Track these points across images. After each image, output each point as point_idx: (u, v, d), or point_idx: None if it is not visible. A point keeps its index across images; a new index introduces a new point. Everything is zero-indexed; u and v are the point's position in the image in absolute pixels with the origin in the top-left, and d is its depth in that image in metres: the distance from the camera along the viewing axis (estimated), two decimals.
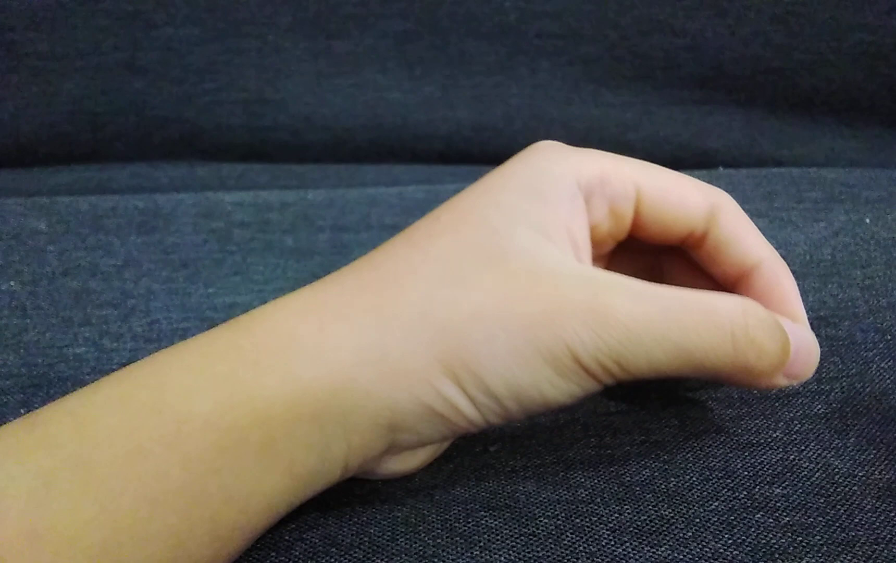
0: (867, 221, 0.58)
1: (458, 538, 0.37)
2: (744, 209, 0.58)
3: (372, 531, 0.37)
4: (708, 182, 0.61)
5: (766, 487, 0.38)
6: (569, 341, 0.33)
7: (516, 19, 0.66)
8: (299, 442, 0.33)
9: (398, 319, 0.34)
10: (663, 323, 0.34)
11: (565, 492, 0.39)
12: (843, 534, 0.37)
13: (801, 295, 0.51)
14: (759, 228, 0.56)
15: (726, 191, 0.60)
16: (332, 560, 0.36)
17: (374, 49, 0.67)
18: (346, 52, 0.67)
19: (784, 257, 0.54)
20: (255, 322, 0.35)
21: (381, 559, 0.36)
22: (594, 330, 0.33)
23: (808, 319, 0.49)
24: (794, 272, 0.53)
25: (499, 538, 0.37)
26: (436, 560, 0.36)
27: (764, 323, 0.36)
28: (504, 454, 0.41)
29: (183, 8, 0.65)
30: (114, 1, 0.65)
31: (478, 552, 0.36)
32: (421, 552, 0.36)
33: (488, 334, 0.33)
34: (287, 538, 0.37)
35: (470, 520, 0.37)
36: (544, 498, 0.38)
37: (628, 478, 0.36)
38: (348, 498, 0.39)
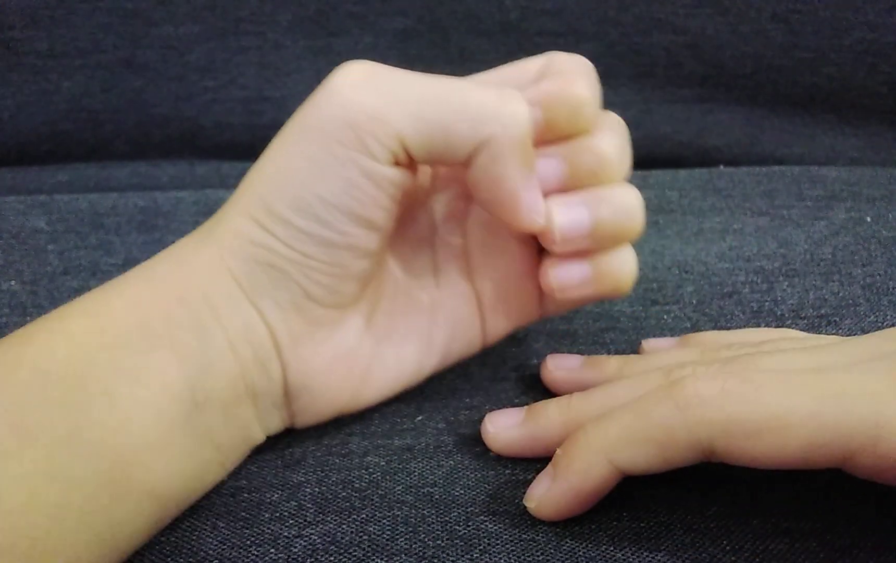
0: (868, 219, 0.58)
1: (457, 541, 0.37)
2: (744, 207, 0.58)
3: (371, 529, 0.37)
4: (708, 180, 0.61)
5: (765, 492, 0.38)
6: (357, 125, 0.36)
7: (517, 17, 0.66)
8: (172, 322, 0.36)
9: (226, 208, 0.38)
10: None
11: None
12: (841, 540, 0.36)
13: (802, 293, 0.51)
14: (761, 227, 0.56)
15: (726, 190, 0.60)
16: (332, 558, 0.36)
17: (375, 47, 0.67)
18: (346, 50, 0.67)
19: (784, 256, 0.54)
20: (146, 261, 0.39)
21: (381, 559, 0.36)
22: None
23: (810, 317, 0.49)
24: (794, 270, 0.53)
25: (499, 542, 0.37)
26: (435, 562, 0.36)
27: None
28: (504, 458, 0.41)
29: (183, 6, 0.65)
30: None
31: (477, 556, 0.36)
32: (420, 554, 0.36)
33: (273, 158, 0.37)
34: (286, 534, 0.37)
35: (470, 524, 0.37)
36: None
37: (627, 484, 0.36)
38: (348, 493, 0.39)
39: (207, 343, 0.36)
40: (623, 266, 0.40)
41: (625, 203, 0.39)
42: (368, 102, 0.36)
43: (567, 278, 0.40)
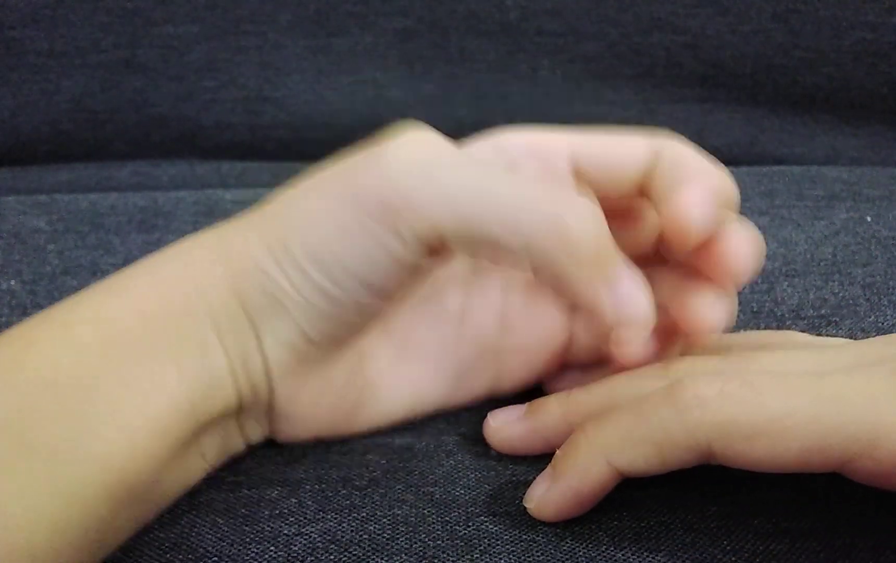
0: (868, 219, 0.58)
1: (458, 541, 0.37)
2: (744, 207, 0.58)
3: (372, 528, 0.37)
4: None
5: (765, 491, 0.38)
6: (388, 201, 0.35)
7: (517, 17, 0.66)
8: (176, 334, 0.35)
9: (241, 232, 0.38)
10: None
11: None
12: (841, 540, 0.37)
13: (803, 293, 0.51)
14: (760, 227, 0.56)
15: None
16: (332, 557, 0.36)
17: (374, 47, 0.67)
18: (345, 50, 0.67)
19: (785, 256, 0.54)
20: (147, 259, 0.39)
21: (381, 558, 0.36)
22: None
23: (810, 317, 0.49)
24: (795, 270, 0.53)
25: (499, 542, 0.37)
26: (435, 562, 0.36)
27: (583, 218, 0.35)
28: (505, 458, 0.41)
29: (183, 6, 0.65)
30: None
31: (478, 556, 0.36)
32: (421, 553, 0.36)
33: (304, 201, 0.38)
34: (286, 531, 0.37)
35: (470, 524, 0.38)
36: None
37: (627, 484, 0.36)
38: (348, 491, 0.39)
39: (210, 363, 0.36)
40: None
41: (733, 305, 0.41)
42: (413, 188, 0.35)
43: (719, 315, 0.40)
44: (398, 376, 0.42)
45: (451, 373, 0.43)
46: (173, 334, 0.35)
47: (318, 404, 0.40)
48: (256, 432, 0.40)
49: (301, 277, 0.36)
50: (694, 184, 0.37)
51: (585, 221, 0.35)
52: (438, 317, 0.43)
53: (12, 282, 0.52)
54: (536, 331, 0.43)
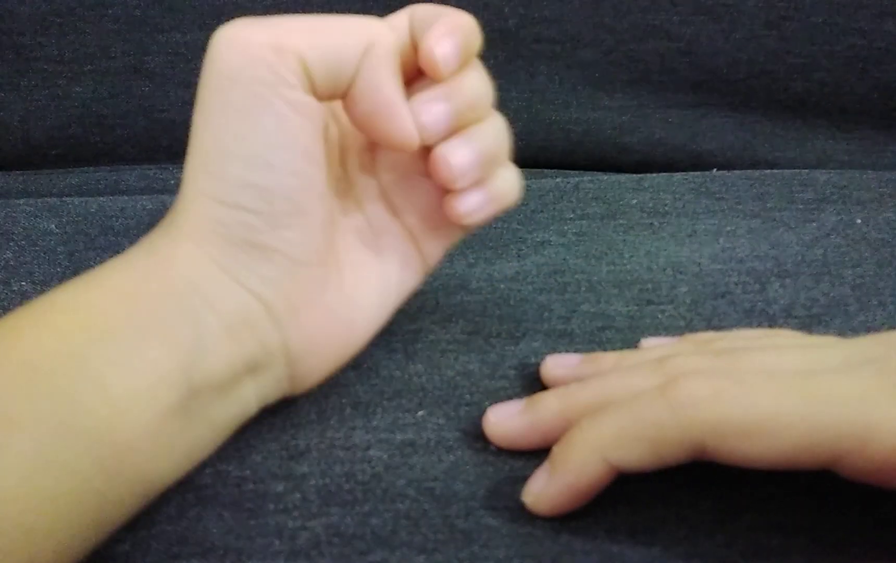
0: (858, 221, 0.58)
1: (458, 535, 0.37)
2: (737, 210, 0.59)
3: (374, 522, 0.38)
4: (701, 184, 0.62)
5: (758, 487, 0.39)
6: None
7: (515, 25, 0.66)
8: (163, 314, 0.36)
9: (182, 200, 0.39)
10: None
11: None
12: (833, 535, 0.37)
13: (794, 293, 0.51)
14: (753, 229, 0.57)
15: (720, 193, 0.61)
16: (335, 550, 0.37)
17: None
18: None
19: (776, 257, 0.54)
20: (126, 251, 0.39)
21: (383, 551, 0.37)
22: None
23: (801, 317, 0.50)
24: (786, 271, 0.53)
25: (497, 536, 0.37)
26: (436, 555, 0.37)
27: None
28: (504, 454, 0.41)
29: (190, 13, 0.66)
30: (122, 7, 0.65)
31: (477, 549, 0.37)
32: (421, 546, 0.37)
33: (201, 132, 0.39)
34: (291, 525, 0.38)
35: (470, 518, 0.38)
36: None
37: (622, 479, 0.36)
38: (351, 486, 0.39)
39: (201, 331, 0.36)
40: (509, 182, 0.44)
41: (498, 131, 0.43)
42: (267, 37, 0.37)
43: (468, 206, 0.42)
44: (364, 282, 0.43)
45: (393, 260, 0.44)
46: (156, 311, 0.36)
47: (325, 331, 0.41)
48: (272, 389, 0.40)
49: (248, 191, 0.37)
50: (435, 27, 0.40)
51: (392, 32, 0.40)
52: (357, 229, 0.44)
53: (24, 283, 0.52)
54: (416, 196, 0.45)
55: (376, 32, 0.39)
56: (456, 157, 0.41)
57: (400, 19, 0.42)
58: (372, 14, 0.65)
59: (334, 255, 0.42)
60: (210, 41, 0.38)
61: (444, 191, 0.43)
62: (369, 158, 0.45)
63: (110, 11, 0.65)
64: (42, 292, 0.50)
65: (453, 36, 0.40)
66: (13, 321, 0.35)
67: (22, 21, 0.65)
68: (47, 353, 0.33)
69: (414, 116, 0.40)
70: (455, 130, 0.41)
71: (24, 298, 0.51)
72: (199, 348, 0.36)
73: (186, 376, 0.35)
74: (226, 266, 0.38)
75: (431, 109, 0.40)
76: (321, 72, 0.38)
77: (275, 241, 0.38)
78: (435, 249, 0.45)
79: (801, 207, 0.60)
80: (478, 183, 0.42)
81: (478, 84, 0.42)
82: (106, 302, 0.36)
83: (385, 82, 0.39)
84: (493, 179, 0.43)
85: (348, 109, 0.40)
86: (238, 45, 0.37)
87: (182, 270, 0.37)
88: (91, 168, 0.69)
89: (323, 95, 0.39)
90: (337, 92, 0.39)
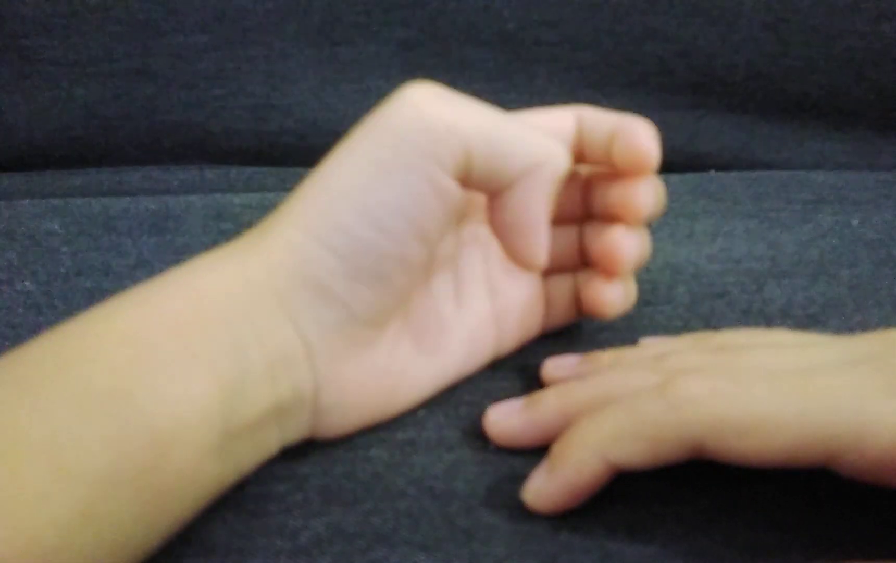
0: (854, 222, 0.58)
1: (458, 533, 0.38)
2: (734, 211, 0.59)
3: (375, 520, 0.38)
4: (699, 184, 0.62)
5: (756, 485, 0.39)
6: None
7: (515, 27, 0.67)
8: (213, 343, 0.35)
9: (279, 226, 0.38)
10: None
11: None
12: (831, 532, 0.37)
13: (790, 293, 0.52)
14: (750, 229, 0.57)
15: (717, 193, 0.61)
16: (337, 548, 0.37)
17: (378, 56, 0.67)
18: (350, 59, 0.67)
19: (773, 257, 0.54)
20: (175, 270, 0.38)
21: (384, 549, 0.37)
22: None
23: (798, 317, 0.50)
24: (783, 271, 0.53)
25: (497, 533, 0.37)
26: (437, 553, 0.37)
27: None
28: (504, 452, 0.41)
29: (192, 16, 0.66)
30: (125, 9, 0.65)
31: (477, 547, 0.37)
32: (422, 544, 0.37)
33: (333, 170, 0.38)
34: (292, 524, 0.38)
35: (470, 515, 0.38)
36: None
37: (622, 477, 0.37)
38: (352, 485, 0.40)
39: (246, 369, 0.36)
40: (633, 287, 0.46)
41: (646, 243, 0.46)
42: (444, 113, 0.38)
43: (613, 297, 0.45)
44: (423, 355, 0.43)
45: (463, 344, 0.44)
46: (205, 343, 0.35)
47: (362, 391, 0.40)
48: (294, 433, 0.40)
49: (347, 240, 0.37)
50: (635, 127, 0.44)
51: (567, 159, 0.41)
52: (440, 298, 0.44)
53: (27, 283, 0.53)
54: (519, 290, 0.46)
55: (552, 154, 0.40)
56: (629, 247, 0.44)
57: (567, 119, 0.44)
58: (372, 15, 0.66)
59: (398, 321, 0.42)
60: (398, 93, 0.39)
61: (542, 281, 0.46)
62: (485, 235, 0.46)
63: (113, 13, 0.65)
64: (46, 291, 0.52)
65: (652, 138, 0.44)
66: (63, 345, 0.34)
67: (25, 23, 0.65)
68: (98, 391, 0.32)
69: (616, 245, 0.44)
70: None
71: (27, 297, 0.52)
72: (241, 386, 0.36)
73: (225, 416, 0.35)
74: (286, 301, 0.37)
75: (630, 244, 0.44)
76: (481, 167, 0.38)
77: (346, 292, 0.38)
78: (514, 338, 0.46)
79: (798, 207, 0.60)
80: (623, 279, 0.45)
81: (659, 193, 0.46)
82: (158, 333, 0.35)
83: (538, 204, 0.40)
84: (630, 280, 0.46)
85: (491, 208, 0.41)
86: (414, 108, 0.38)
87: (241, 296, 0.37)
88: (94, 169, 0.69)
89: (472, 186, 0.39)
90: (487, 189, 0.40)
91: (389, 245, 0.37)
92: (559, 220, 0.46)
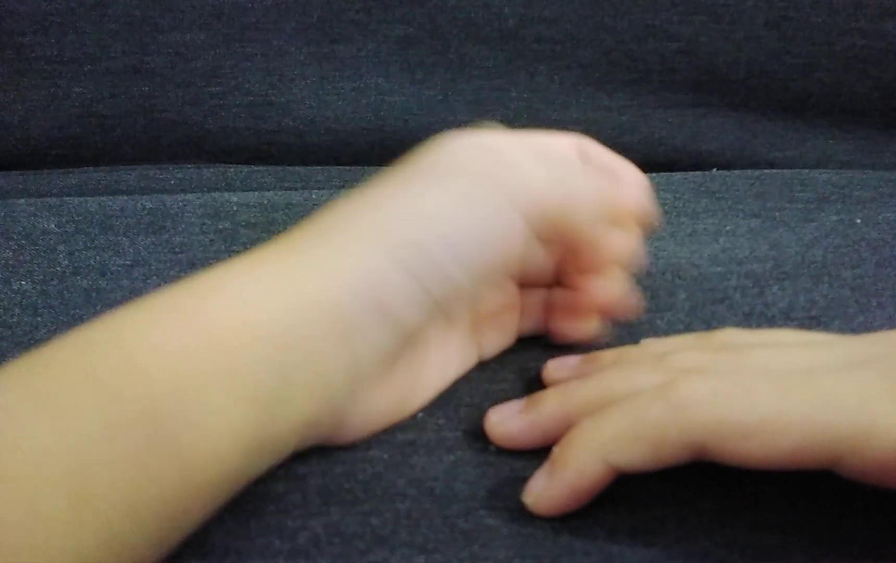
0: (858, 221, 0.58)
1: (458, 535, 0.37)
2: (737, 210, 0.59)
3: (374, 522, 0.38)
4: (701, 183, 0.62)
5: (758, 486, 0.39)
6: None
7: (515, 24, 0.67)
8: (258, 366, 0.34)
9: (346, 235, 0.37)
10: None
11: None
12: (833, 534, 0.37)
13: (793, 295, 0.51)
14: (753, 229, 0.57)
15: (719, 192, 0.61)
16: (336, 549, 0.37)
17: (377, 53, 0.67)
18: (348, 57, 0.67)
19: (776, 258, 0.54)
20: (215, 271, 0.36)
21: (383, 551, 0.37)
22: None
23: (800, 319, 0.50)
24: (785, 272, 0.53)
25: (498, 536, 0.37)
26: (436, 555, 0.37)
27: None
28: (504, 454, 0.41)
29: (189, 13, 0.66)
30: (122, 6, 0.65)
31: (477, 549, 0.37)
32: (422, 546, 0.37)
33: (422, 199, 0.38)
34: (291, 525, 0.38)
35: (470, 518, 0.38)
36: None
37: (622, 479, 0.36)
38: (351, 485, 0.39)
39: (288, 388, 0.35)
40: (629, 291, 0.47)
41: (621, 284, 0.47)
42: (541, 180, 0.40)
43: (592, 330, 0.47)
44: (431, 363, 0.43)
45: (457, 349, 0.45)
46: (250, 364, 0.34)
47: (381, 400, 0.40)
48: (313, 441, 0.39)
49: (434, 272, 0.37)
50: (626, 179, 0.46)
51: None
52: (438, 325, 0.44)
53: (23, 282, 0.52)
54: (494, 298, 0.46)
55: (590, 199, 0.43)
56: (619, 292, 0.46)
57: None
58: (371, 12, 0.66)
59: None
60: (476, 134, 0.42)
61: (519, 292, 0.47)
62: None
63: (110, 11, 0.65)
64: (42, 291, 0.51)
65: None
66: (91, 356, 0.32)
67: (22, 21, 0.65)
68: (128, 411, 0.31)
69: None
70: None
71: (23, 296, 0.51)
72: (279, 406, 0.35)
73: (257, 437, 0.34)
74: (348, 323, 0.36)
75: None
76: (558, 222, 0.41)
77: (410, 317, 0.38)
78: (493, 344, 0.47)
79: (800, 206, 0.60)
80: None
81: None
82: (198, 347, 0.33)
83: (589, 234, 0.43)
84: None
85: (571, 257, 0.44)
86: (524, 167, 0.40)
87: (296, 314, 0.35)
88: (91, 168, 0.69)
89: (543, 236, 0.42)
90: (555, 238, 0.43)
91: (464, 280, 0.38)
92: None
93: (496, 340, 0.47)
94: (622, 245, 0.45)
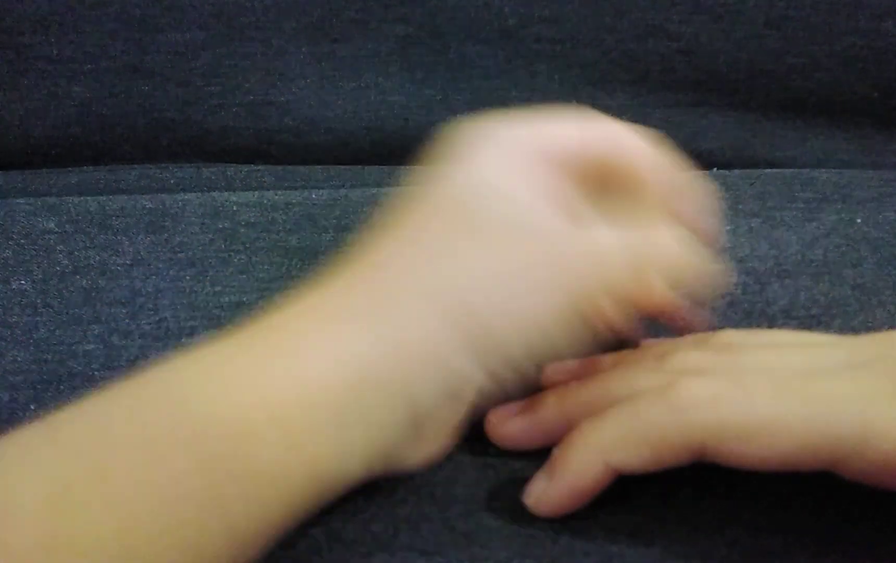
0: (858, 221, 0.58)
1: (458, 537, 0.38)
2: (737, 209, 0.59)
3: (374, 527, 0.38)
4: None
5: (759, 487, 0.39)
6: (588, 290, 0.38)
7: (515, 24, 0.66)
8: (319, 440, 0.34)
9: (407, 303, 0.36)
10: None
11: None
12: (834, 535, 0.37)
13: (794, 294, 0.52)
14: (753, 228, 0.57)
15: (720, 192, 0.61)
16: (336, 555, 0.37)
17: (376, 53, 0.67)
18: (348, 56, 0.67)
19: (776, 257, 0.54)
20: (267, 326, 0.36)
21: (384, 555, 0.37)
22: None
23: (801, 317, 0.50)
24: (786, 271, 0.53)
25: (498, 537, 0.37)
26: (437, 557, 0.37)
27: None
28: (504, 456, 0.41)
29: (189, 12, 0.66)
30: (121, 5, 0.65)
31: (477, 550, 0.37)
32: (422, 549, 0.37)
33: (510, 291, 0.37)
34: (291, 533, 0.37)
35: (470, 519, 0.38)
36: None
37: (623, 479, 0.36)
38: (351, 494, 0.39)
39: (348, 463, 0.35)
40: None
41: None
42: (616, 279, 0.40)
43: None
44: None
45: None
46: (309, 439, 0.34)
47: (440, 433, 0.41)
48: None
49: (506, 368, 0.38)
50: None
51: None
52: None
53: (23, 281, 0.53)
54: None
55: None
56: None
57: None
58: (370, 11, 0.66)
59: None
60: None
61: None
62: None
63: (110, 11, 0.65)
64: (42, 290, 0.51)
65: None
66: (146, 426, 0.32)
67: (21, 20, 0.65)
68: (185, 487, 0.31)
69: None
70: None
71: (23, 296, 0.52)
72: (336, 481, 0.35)
73: (308, 509, 0.35)
74: (412, 390, 0.36)
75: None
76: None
77: (475, 397, 0.38)
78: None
79: (801, 206, 0.60)
80: None
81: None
82: (259, 419, 0.33)
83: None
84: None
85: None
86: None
87: (357, 388, 0.35)
88: (90, 167, 0.69)
89: None
90: None
91: (534, 371, 0.39)
92: None
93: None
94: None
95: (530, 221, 0.39)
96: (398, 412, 0.36)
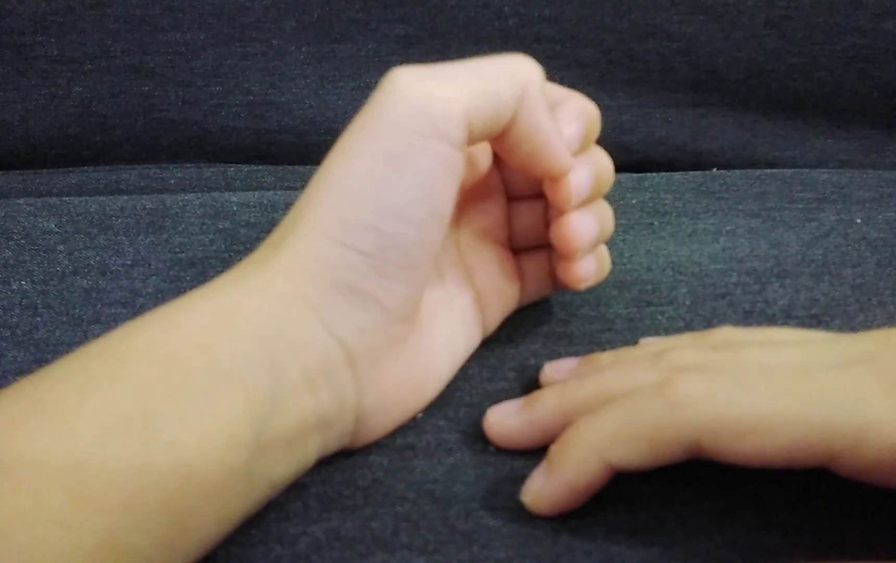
0: (858, 221, 0.58)
1: (458, 536, 0.38)
2: (737, 209, 0.59)
3: (374, 525, 0.38)
4: (701, 183, 0.62)
5: (757, 486, 0.39)
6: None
7: (515, 24, 0.67)
8: (244, 361, 0.35)
9: (287, 233, 0.38)
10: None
11: None
12: (832, 534, 0.37)
13: (793, 294, 0.52)
14: (753, 229, 0.57)
15: (720, 192, 0.61)
16: (336, 554, 0.37)
17: (377, 53, 0.67)
18: (348, 56, 0.67)
19: (776, 257, 0.54)
20: (203, 287, 0.38)
21: (384, 554, 0.37)
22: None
23: (801, 317, 0.50)
24: (786, 271, 0.53)
25: (497, 536, 0.37)
26: (436, 556, 0.37)
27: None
28: (504, 455, 0.41)
29: (190, 13, 0.66)
30: (122, 5, 0.65)
31: (477, 550, 0.37)
32: (422, 548, 0.37)
33: (338, 170, 0.38)
34: (291, 531, 0.38)
35: (470, 519, 0.38)
36: None
37: (622, 479, 0.37)
38: (351, 492, 0.39)
39: (280, 381, 0.35)
40: (606, 256, 0.47)
41: (605, 214, 0.46)
42: (436, 90, 0.37)
43: (585, 272, 0.45)
44: (437, 344, 0.43)
45: (461, 328, 0.45)
46: (236, 358, 0.35)
47: (399, 390, 0.41)
48: (336, 442, 0.40)
49: (372, 238, 0.37)
50: (563, 110, 0.43)
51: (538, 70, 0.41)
52: (434, 286, 0.44)
53: (23, 282, 0.52)
54: (492, 267, 0.46)
55: (528, 73, 0.40)
56: (585, 225, 0.44)
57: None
58: (370, 11, 0.66)
59: (419, 314, 0.42)
60: (380, 84, 0.38)
61: (515, 258, 0.47)
62: (455, 221, 0.46)
63: (110, 11, 0.65)
64: (42, 290, 0.52)
65: (579, 120, 0.43)
66: (89, 365, 0.34)
67: (22, 20, 0.65)
68: (121, 413, 0.32)
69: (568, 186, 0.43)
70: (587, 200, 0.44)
71: (23, 296, 0.51)
72: (275, 401, 0.35)
73: (255, 433, 0.34)
74: (319, 309, 0.37)
75: (580, 177, 0.43)
76: (482, 123, 0.39)
77: (378, 289, 0.37)
78: (495, 315, 0.47)
79: (801, 206, 0.60)
80: (590, 252, 0.46)
81: (606, 163, 0.45)
82: (184, 350, 0.34)
83: (544, 122, 0.41)
84: (600, 250, 0.47)
85: (505, 149, 0.42)
86: (408, 93, 0.37)
87: (271, 311, 0.36)
88: (91, 167, 0.69)
89: (475, 141, 0.40)
90: (491, 136, 0.40)
91: (413, 233, 0.37)
92: (523, 196, 0.47)
93: (499, 311, 0.47)
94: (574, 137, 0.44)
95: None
96: (309, 324, 0.37)
